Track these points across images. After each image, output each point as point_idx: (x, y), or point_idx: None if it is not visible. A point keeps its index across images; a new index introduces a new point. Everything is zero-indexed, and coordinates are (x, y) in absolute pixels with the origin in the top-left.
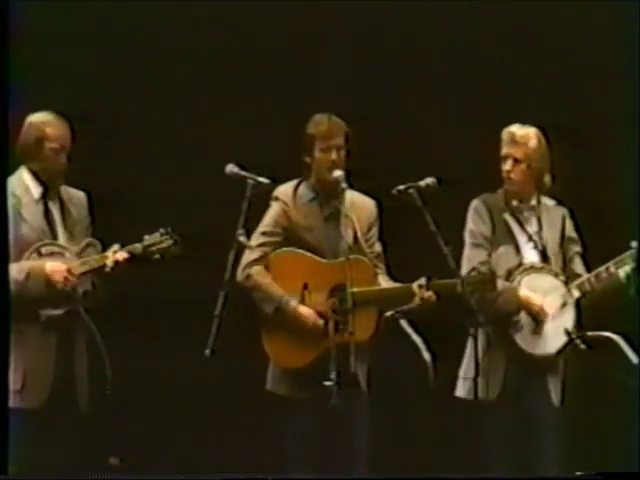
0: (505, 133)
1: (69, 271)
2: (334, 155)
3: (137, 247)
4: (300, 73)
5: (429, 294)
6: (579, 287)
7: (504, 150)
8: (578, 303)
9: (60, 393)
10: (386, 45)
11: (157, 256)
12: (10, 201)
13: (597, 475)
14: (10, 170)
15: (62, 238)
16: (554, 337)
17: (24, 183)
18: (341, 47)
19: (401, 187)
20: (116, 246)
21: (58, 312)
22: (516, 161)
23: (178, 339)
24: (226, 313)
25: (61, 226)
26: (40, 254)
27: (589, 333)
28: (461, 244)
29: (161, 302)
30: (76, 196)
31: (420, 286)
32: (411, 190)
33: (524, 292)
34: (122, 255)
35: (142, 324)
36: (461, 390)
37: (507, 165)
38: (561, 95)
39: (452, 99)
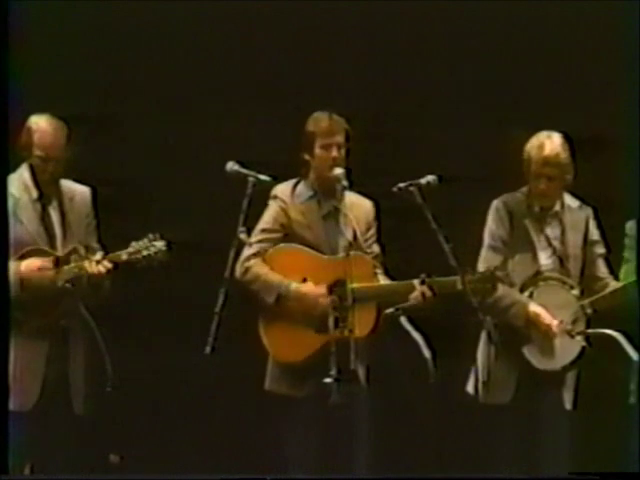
0: (533, 149)
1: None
2: (335, 153)
3: (120, 255)
4: (300, 71)
5: (427, 291)
6: (593, 304)
7: (536, 169)
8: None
9: (52, 395)
10: (387, 44)
11: (144, 263)
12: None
13: (597, 475)
14: (11, 170)
15: (59, 239)
16: (563, 353)
17: (24, 182)
18: (341, 45)
19: (401, 185)
20: (99, 255)
21: (46, 321)
22: (550, 179)
23: (178, 337)
24: (226, 311)
25: (59, 226)
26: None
27: (589, 330)
28: (461, 242)
29: (161, 300)
30: (79, 193)
31: (420, 283)
32: (412, 188)
33: (534, 308)
34: (104, 266)
35: (142, 322)
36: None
37: (542, 184)
38: (561, 95)
39: (452, 98)
